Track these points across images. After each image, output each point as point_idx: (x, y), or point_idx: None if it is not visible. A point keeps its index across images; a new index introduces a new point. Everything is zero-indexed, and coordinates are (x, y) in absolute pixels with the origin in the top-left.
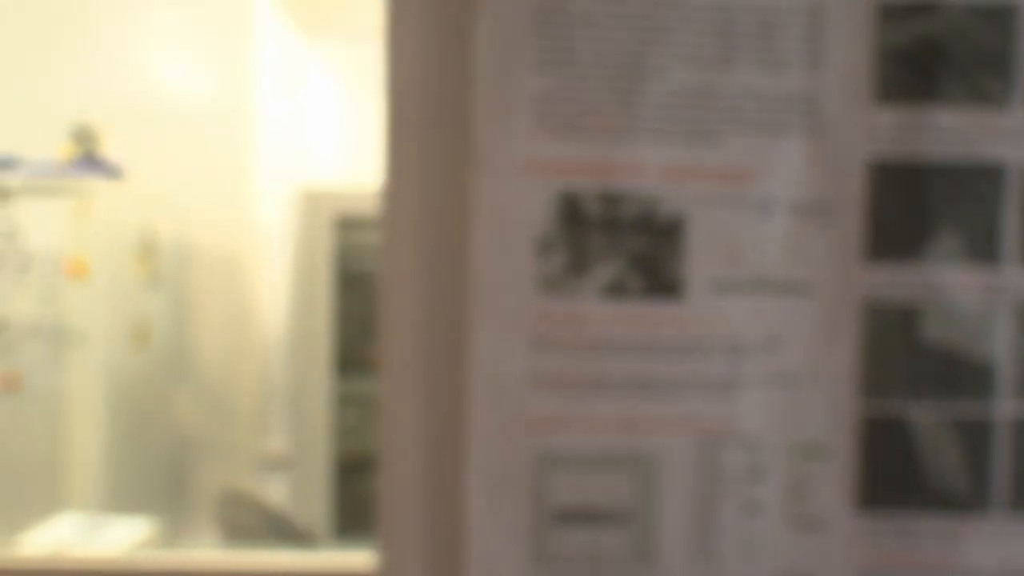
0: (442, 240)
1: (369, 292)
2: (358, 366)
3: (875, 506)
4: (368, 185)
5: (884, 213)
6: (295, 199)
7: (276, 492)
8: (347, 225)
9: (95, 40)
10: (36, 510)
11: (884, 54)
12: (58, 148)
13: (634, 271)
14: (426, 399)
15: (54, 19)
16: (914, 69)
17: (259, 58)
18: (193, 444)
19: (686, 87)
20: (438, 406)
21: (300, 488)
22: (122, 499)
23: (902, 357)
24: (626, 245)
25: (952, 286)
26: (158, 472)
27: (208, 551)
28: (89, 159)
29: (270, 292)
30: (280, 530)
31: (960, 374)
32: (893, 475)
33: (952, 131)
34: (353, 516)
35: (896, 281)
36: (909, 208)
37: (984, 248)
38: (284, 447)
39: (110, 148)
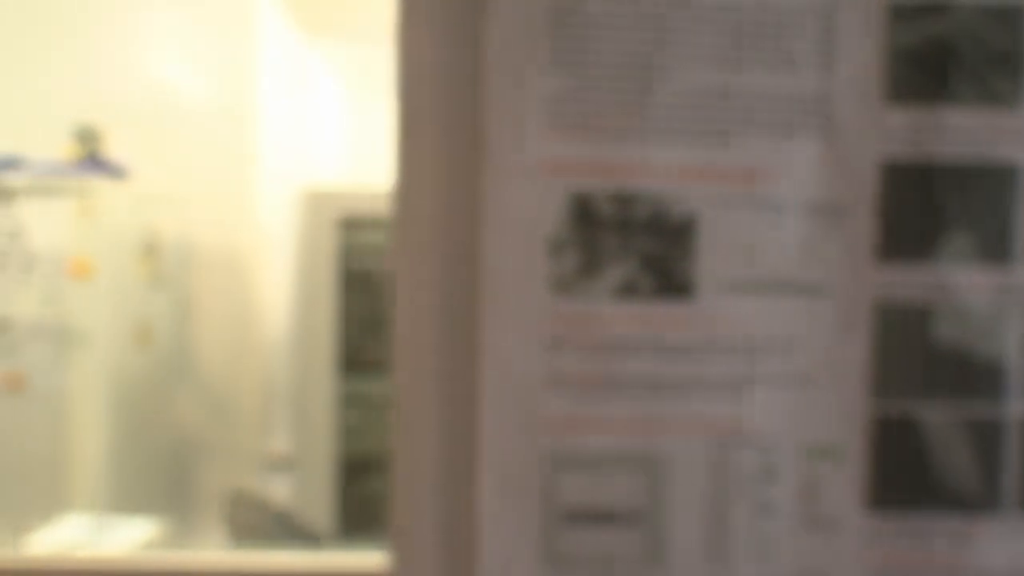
0: (454, 240)
1: (372, 292)
2: (361, 366)
3: (887, 506)
4: (372, 185)
5: (896, 213)
6: (298, 199)
7: (279, 492)
8: (350, 225)
9: (98, 40)
10: (39, 510)
11: (895, 55)
12: (62, 148)
13: (646, 272)
14: (438, 399)
15: (57, 19)
16: (925, 70)
17: (262, 58)
18: (196, 444)
19: (698, 88)
20: (450, 406)
21: (303, 488)
22: (125, 499)
23: (914, 357)
24: (638, 245)
25: (964, 286)
26: (161, 473)
27: (217, 551)
28: (93, 159)
29: (273, 292)
30: (288, 530)
31: (972, 374)
32: (905, 475)
33: (964, 131)
34: (356, 516)
35: (908, 281)
36: (921, 208)
37: (996, 248)
38: (287, 447)
39: (113, 148)
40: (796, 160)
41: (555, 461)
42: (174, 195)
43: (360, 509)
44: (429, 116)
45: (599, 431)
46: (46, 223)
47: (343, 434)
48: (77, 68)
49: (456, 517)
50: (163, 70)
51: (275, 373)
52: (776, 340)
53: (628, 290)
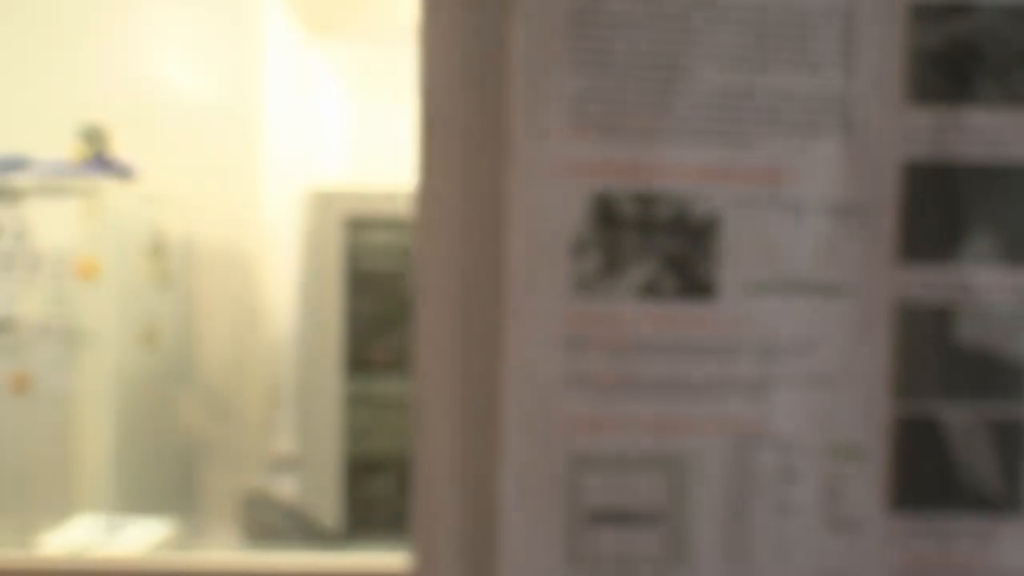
0: (477, 241)
1: (379, 292)
2: (367, 366)
3: (909, 507)
4: (378, 185)
5: (918, 214)
6: (305, 199)
7: (285, 493)
8: (357, 225)
9: (104, 41)
10: (45, 510)
11: (917, 55)
12: (68, 148)
13: (668, 272)
14: (460, 399)
15: (62, 20)
16: (948, 70)
17: (267, 58)
18: (202, 445)
19: (720, 88)
20: (472, 406)
21: (310, 489)
22: (131, 500)
23: (936, 358)
24: (660, 246)
25: (986, 287)
26: (167, 473)
27: (234, 552)
28: (99, 159)
29: (279, 292)
30: (304, 530)
31: (994, 375)
32: (927, 476)
33: (986, 132)
34: (363, 517)
35: (930, 282)
36: (943, 209)
37: (1018, 249)
38: (293, 447)
39: (119, 148)
40: (818, 160)
41: (577, 461)
42: (180, 195)
43: (366, 509)
44: (451, 116)
45: (621, 431)
46: (52, 223)
47: (349, 434)
48: (83, 68)
49: (477, 517)
50: (169, 70)
51: (281, 373)
52: (798, 340)
53: (650, 290)
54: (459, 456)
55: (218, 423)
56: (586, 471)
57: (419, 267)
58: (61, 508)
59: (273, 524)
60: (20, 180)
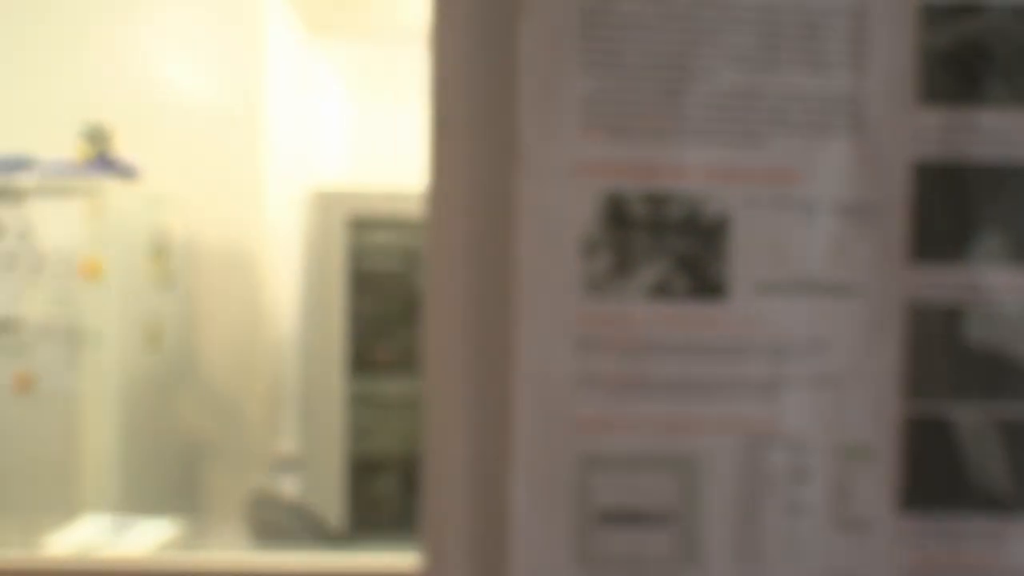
0: (487, 241)
1: (382, 293)
2: (370, 367)
3: (919, 507)
4: (381, 185)
5: (928, 214)
6: (307, 199)
7: (289, 493)
8: (360, 225)
9: (107, 41)
10: (49, 510)
11: (928, 55)
12: (71, 148)
13: (679, 272)
14: (470, 400)
15: (66, 21)
16: (958, 70)
17: (269, 59)
18: (205, 445)
19: (731, 88)
20: (482, 406)
21: (313, 489)
22: (135, 500)
23: (946, 358)
24: (671, 246)
25: (996, 287)
26: (170, 473)
27: (242, 552)
28: (103, 159)
29: (282, 292)
30: (312, 530)
31: (1004, 375)
32: (937, 476)
33: (997, 132)
34: (366, 516)
35: (940, 282)
36: (953, 209)
37: None
38: (296, 448)
39: (122, 148)
40: (829, 160)
41: (587, 461)
42: (182, 195)
43: (369, 509)
44: (462, 117)
45: (632, 431)
46: (56, 223)
47: (352, 434)
48: (86, 69)
49: (488, 518)
50: (171, 71)
51: (284, 373)
52: (808, 340)
53: (661, 290)
54: (469, 456)
55: (221, 423)
56: (597, 471)
57: (429, 268)
58: (64, 508)
59: (281, 524)
60: (23, 180)
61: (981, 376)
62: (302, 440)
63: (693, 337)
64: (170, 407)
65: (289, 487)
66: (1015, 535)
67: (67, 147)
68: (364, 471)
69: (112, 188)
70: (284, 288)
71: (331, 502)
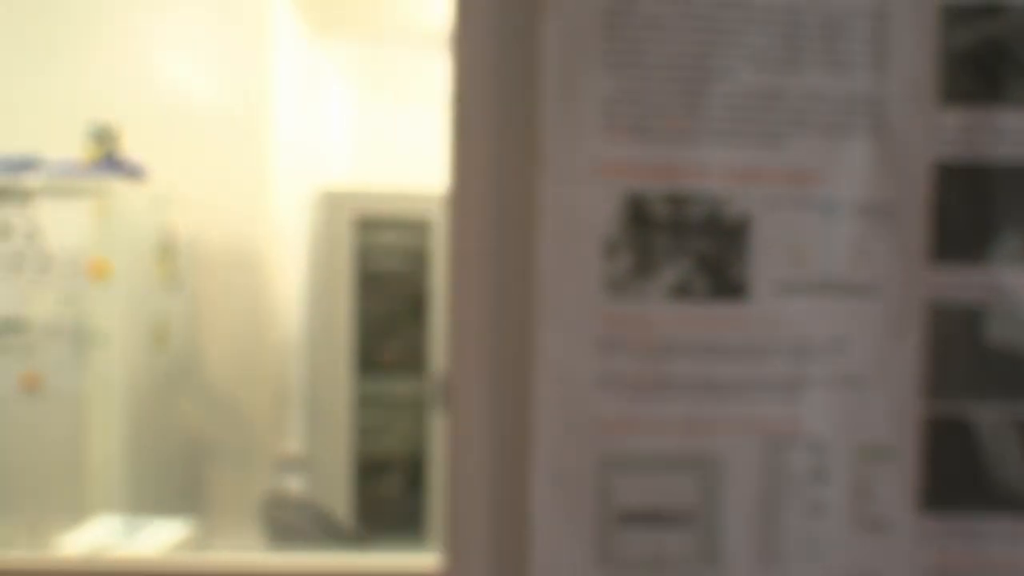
0: (508, 242)
1: (388, 293)
2: (377, 367)
3: (940, 507)
4: (388, 185)
5: (949, 214)
6: (314, 199)
7: (301, 493)
8: (367, 225)
9: (114, 43)
10: (57, 510)
11: (949, 56)
12: (79, 148)
13: (700, 273)
14: (492, 400)
15: (73, 22)
16: (979, 71)
17: (274, 59)
18: (211, 445)
19: (752, 89)
20: (504, 406)
21: (319, 489)
22: (142, 500)
23: (967, 358)
24: (692, 247)
25: (1017, 287)
26: (176, 473)
27: (261, 553)
28: (110, 159)
29: (289, 293)
30: (328, 530)
31: None
32: (958, 476)
33: (1017, 132)
34: (372, 516)
35: (961, 282)
36: (974, 209)
37: None
38: (302, 448)
39: (128, 149)
40: (850, 161)
41: (608, 462)
42: (190, 195)
43: (375, 509)
44: (484, 117)
45: (652, 432)
46: (63, 224)
47: (358, 434)
48: (94, 70)
49: (509, 518)
50: (178, 72)
51: (290, 374)
52: (829, 341)
53: (682, 291)
54: (491, 456)
55: (227, 423)
56: (618, 471)
57: (452, 268)
58: (71, 508)
59: (296, 524)
60: (31, 181)
61: (1002, 376)
62: (308, 440)
63: (714, 338)
64: (176, 407)
65: (295, 487)
66: None
67: (74, 147)
68: (370, 471)
69: (119, 188)
70: (290, 288)
71: (337, 502)
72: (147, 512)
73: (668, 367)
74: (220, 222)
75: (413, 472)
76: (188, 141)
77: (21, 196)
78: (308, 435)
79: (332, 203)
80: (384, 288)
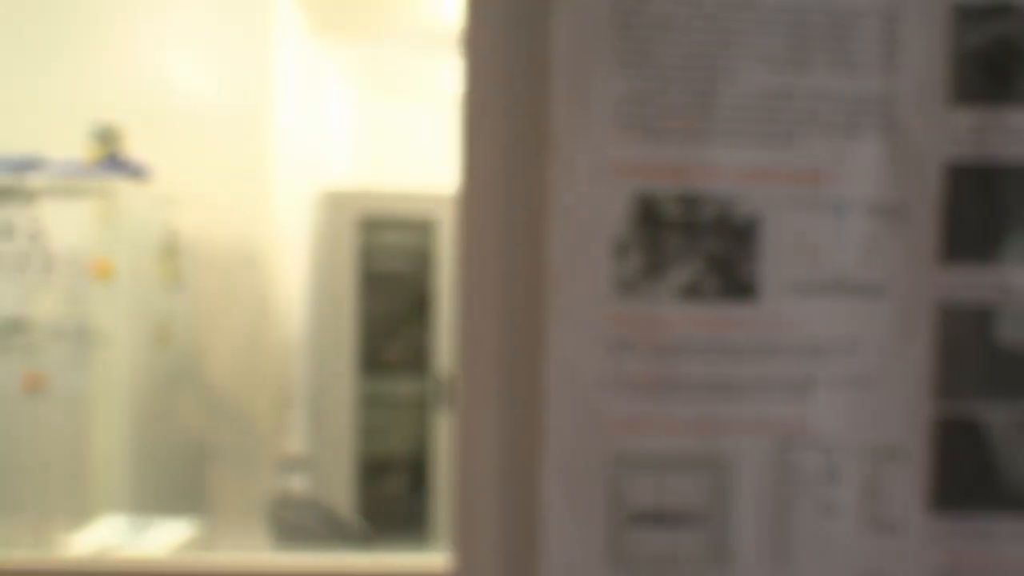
0: (519, 241)
1: (392, 293)
2: (380, 367)
3: (950, 507)
4: (391, 185)
5: (959, 215)
6: (317, 199)
7: (308, 493)
8: (370, 225)
9: (118, 43)
10: (60, 509)
11: (960, 56)
12: (82, 148)
13: (710, 273)
14: (502, 400)
15: (77, 22)
16: (990, 71)
17: (277, 59)
18: (214, 445)
19: (762, 89)
20: (514, 407)
21: (323, 489)
22: (145, 500)
23: (977, 358)
24: (702, 247)
25: None
26: (179, 473)
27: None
28: (113, 159)
29: (292, 292)
30: (337, 530)
31: None
32: (968, 477)
33: None
34: (376, 516)
35: (971, 283)
36: (985, 210)
37: None
38: (305, 448)
39: (132, 149)
40: (859, 161)
41: (619, 462)
42: (193, 195)
43: (379, 509)
44: (494, 117)
45: (663, 432)
46: (66, 223)
47: (362, 434)
48: (97, 70)
49: (519, 518)
50: (181, 72)
51: (294, 374)
52: (839, 341)
53: (692, 291)
54: (500, 456)
55: (230, 423)
56: (628, 472)
57: (462, 267)
58: (75, 508)
59: (304, 524)
60: (34, 180)
61: (1012, 376)
62: (311, 440)
63: (724, 338)
64: (179, 407)
65: (298, 487)
66: None
67: (77, 147)
68: (373, 471)
69: (122, 188)
70: (293, 288)
71: (340, 502)
72: (150, 512)
73: (678, 367)
74: (223, 222)
75: (416, 472)
76: (191, 141)
77: (24, 196)
78: (311, 435)
79: (335, 203)
80: (387, 288)
